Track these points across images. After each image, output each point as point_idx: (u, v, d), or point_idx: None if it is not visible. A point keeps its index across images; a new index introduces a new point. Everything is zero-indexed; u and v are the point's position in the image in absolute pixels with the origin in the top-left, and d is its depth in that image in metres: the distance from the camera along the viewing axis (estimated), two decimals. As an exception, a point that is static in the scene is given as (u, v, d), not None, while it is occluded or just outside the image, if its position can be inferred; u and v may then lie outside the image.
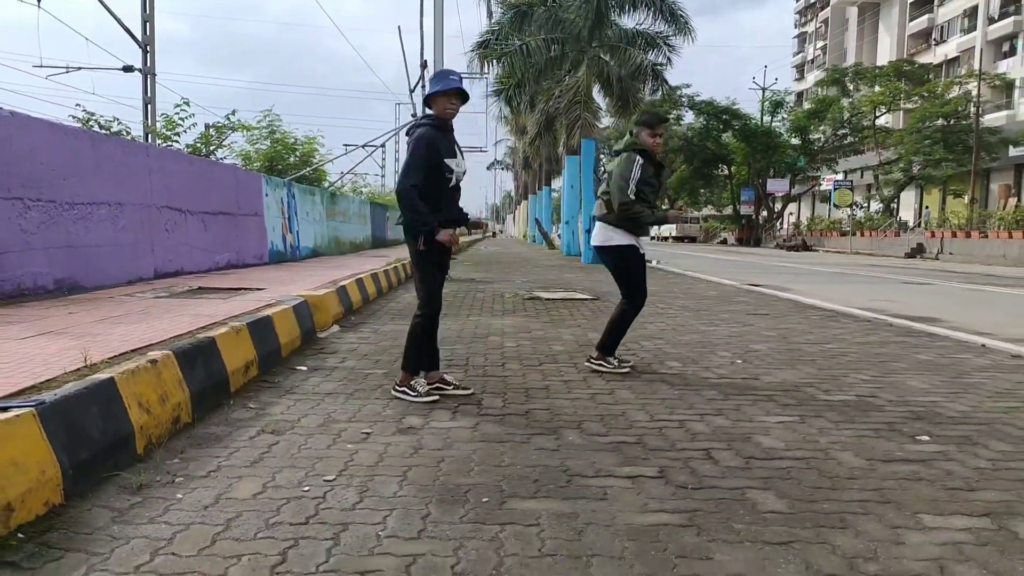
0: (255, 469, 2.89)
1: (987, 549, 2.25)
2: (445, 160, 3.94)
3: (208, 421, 3.55)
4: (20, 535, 2.19)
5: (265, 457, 3.04)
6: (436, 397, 4.02)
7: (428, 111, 4.16)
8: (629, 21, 20.97)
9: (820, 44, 68.73)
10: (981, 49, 42.13)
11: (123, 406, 2.94)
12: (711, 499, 2.62)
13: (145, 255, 8.04)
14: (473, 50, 22.13)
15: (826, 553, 2.20)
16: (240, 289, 7.30)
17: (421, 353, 4.13)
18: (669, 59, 20.95)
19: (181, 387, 3.46)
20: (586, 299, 9.48)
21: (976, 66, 37.38)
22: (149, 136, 15.17)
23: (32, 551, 2.13)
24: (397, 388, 4.09)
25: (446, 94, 3.99)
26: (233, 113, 15.73)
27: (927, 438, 3.40)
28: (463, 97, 4.05)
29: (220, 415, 3.65)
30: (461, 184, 4.14)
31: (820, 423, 3.63)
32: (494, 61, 20.85)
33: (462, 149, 4.22)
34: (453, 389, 4.17)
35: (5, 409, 2.40)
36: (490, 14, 24.75)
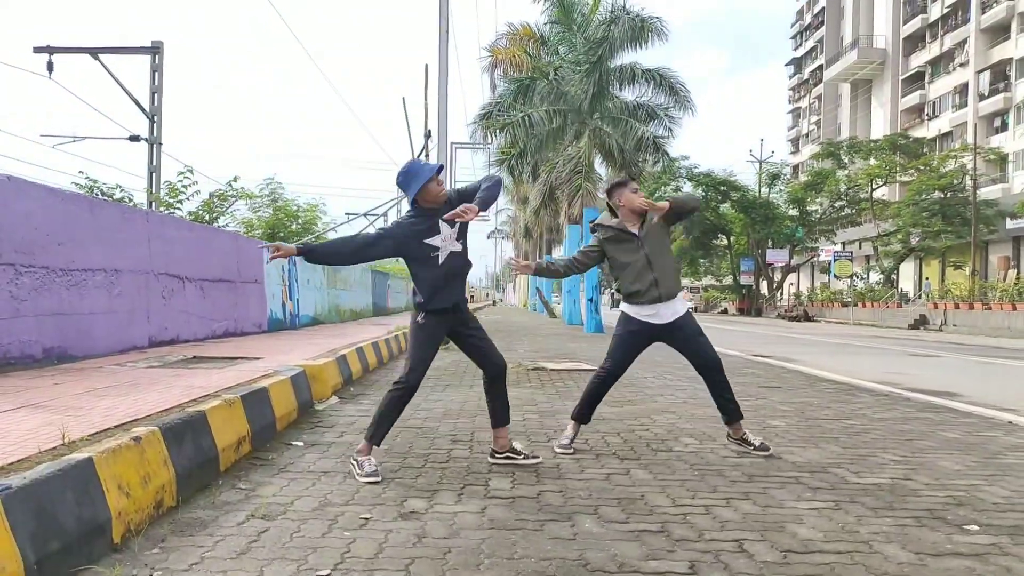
0: (241, 561, 2.62)
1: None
2: (425, 241, 3.89)
3: (194, 503, 3.27)
4: (-31, 646, 1.92)
5: (253, 547, 2.76)
6: (378, 480, 3.71)
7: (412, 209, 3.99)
8: (630, 94, 21.36)
9: (814, 119, 70.27)
10: (975, 124, 42.95)
11: (101, 489, 2.68)
12: (751, 601, 2.34)
13: (140, 323, 7.83)
14: (476, 121, 22.47)
15: (891, 671, 1.93)
16: (237, 358, 7.07)
17: (388, 425, 4.00)
18: (671, 130, 21.26)
19: (166, 467, 3.20)
20: (592, 370, 9.21)
21: (971, 140, 38.00)
22: (152, 204, 15.18)
23: (-20, 666, 1.85)
24: (354, 457, 3.93)
25: (433, 180, 3.87)
26: (235, 180, 15.76)
27: (976, 527, 3.12)
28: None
29: (207, 497, 3.38)
30: (460, 250, 3.98)
31: (857, 510, 3.36)
32: (497, 132, 21.12)
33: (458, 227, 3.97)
34: (523, 459, 4.13)
35: (-35, 496, 2.16)
36: (493, 87, 25.26)
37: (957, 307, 29.77)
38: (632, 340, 4.53)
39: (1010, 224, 35.31)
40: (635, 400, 6.64)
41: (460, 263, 4.01)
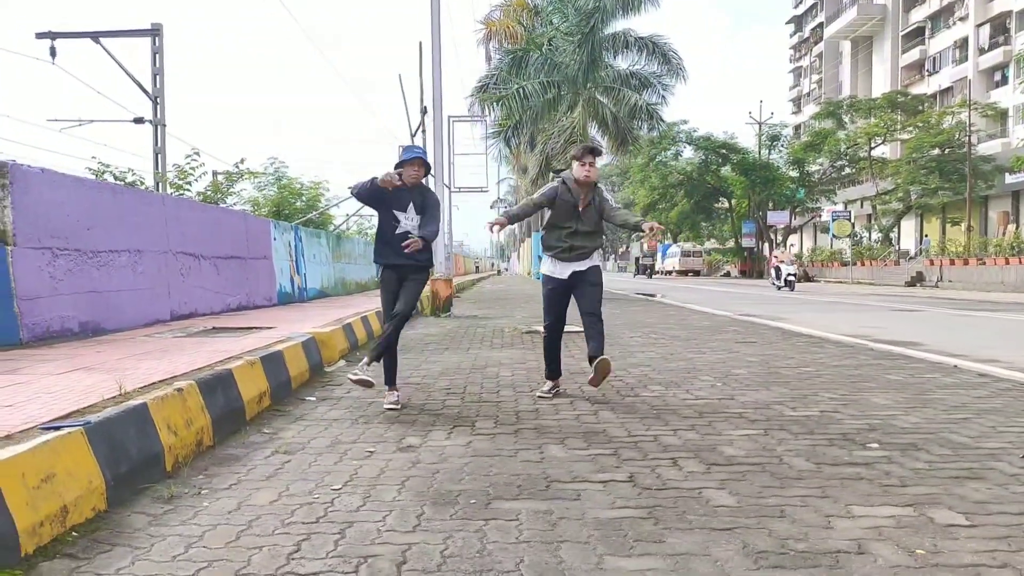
0: (271, 482, 3.27)
1: (904, 531, 2.60)
2: (394, 211, 4.92)
3: (227, 444, 3.93)
4: (74, 533, 2.58)
5: (279, 473, 3.42)
6: (365, 377, 4.68)
7: None
8: (623, 62, 21.71)
9: (815, 78, 69.95)
10: (972, 80, 42.91)
11: (154, 428, 3.34)
12: (671, 497, 2.99)
13: (162, 298, 8.49)
14: (473, 95, 22.89)
15: (763, 535, 2.57)
16: (252, 328, 7.73)
17: (384, 349, 4.93)
18: (664, 97, 21.66)
19: (203, 413, 3.86)
20: (581, 331, 9.84)
21: (969, 95, 38.08)
22: (160, 185, 15.79)
23: (86, 545, 2.52)
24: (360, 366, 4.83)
25: (408, 163, 4.92)
26: (242, 161, 16.37)
27: (876, 445, 3.76)
28: (423, 164, 5.01)
29: (237, 439, 4.03)
30: (412, 233, 4.88)
31: (781, 435, 3.99)
32: (494, 104, 21.55)
33: (423, 206, 4.99)
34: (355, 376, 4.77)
35: (58, 428, 2.81)
36: (488, 59, 25.61)
37: (953, 263, 30.25)
38: (552, 296, 5.26)
39: (1009, 179, 35.57)
40: (615, 356, 7.25)
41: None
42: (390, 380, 5.00)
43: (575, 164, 5.05)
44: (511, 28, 23.74)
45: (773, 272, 27.52)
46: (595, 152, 5.14)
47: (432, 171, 5.26)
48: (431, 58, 14.56)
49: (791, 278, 25.69)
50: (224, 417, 4.09)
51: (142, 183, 13.72)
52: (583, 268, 5.13)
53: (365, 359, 4.84)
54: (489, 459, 3.61)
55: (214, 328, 7.74)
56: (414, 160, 4.95)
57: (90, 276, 7.02)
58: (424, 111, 21.76)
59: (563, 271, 5.15)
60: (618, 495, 3.03)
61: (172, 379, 4.11)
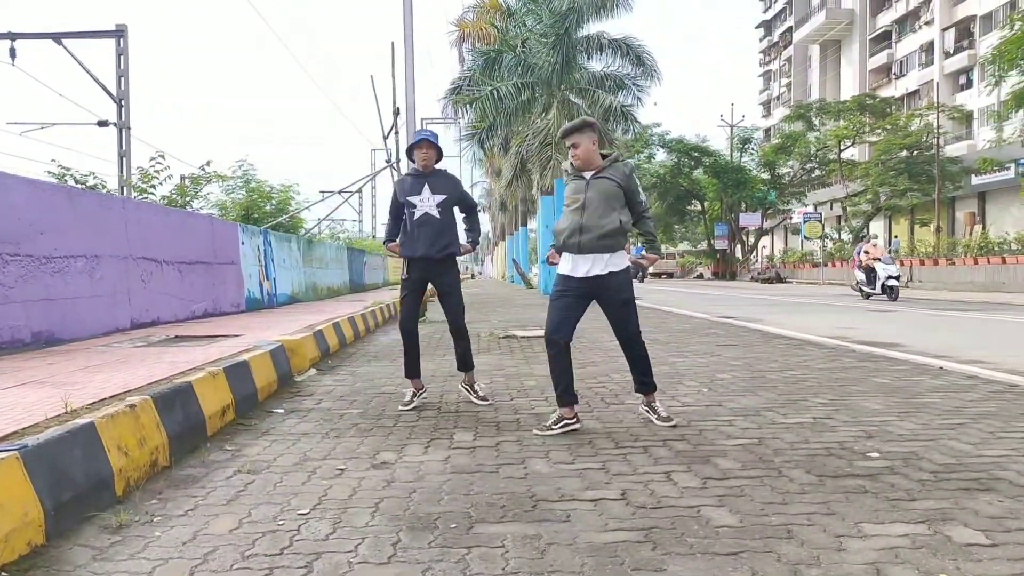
0: (231, 507, 3.00)
1: (922, 552, 2.41)
2: (408, 198, 4.94)
3: (185, 463, 3.64)
4: (3, 574, 2.29)
5: (241, 495, 3.14)
6: (412, 406, 4.93)
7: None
8: (597, 64, 21.60)
9: (785, 81, 70.69)
10: (939, 83, 43.55)
11: (103, 449, 3.04)
12: (668, 517, 2.77)
13: (122, 305, 8.12)
14: (446, 97, 22.61)
15: (772, 561, 2.35)
16: (217, 336, 7.39)
17: (410, 361, 5.12)
18: (639, 99, 21.59)
19: (159, 430, 3.56)
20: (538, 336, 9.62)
21: (936, 98, 38.61)
22: (124, 189, 15.30)
23: (16, 588, 2.23)
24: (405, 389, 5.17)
25: (416, 146, 4.96)
26: (208, 164, 15.90)
27: (877, 455, 3.58)
28: (432, 146, 4.95)
29: (197, 457, 3.74)
30: (436, 216, 4.91)
31: (776, 444, 3.80)
32: (467, 106, 21.31)
33: (443, 187, 5.00)
34: (474, 396, 5.10)
35: (-11, 454, 2.51)
36: (462, 61, 25.35)
37: (923, 263, 30.60)
38: (560, 300, 4.20)
39: (975, 180, 36.09)
40: (598, 362, 7.06)
41: (433, 223, 4.92)
42: (466, 364, 5.15)
43: (584, 142, 4.19)
44: (484, 30, 23.50)
45: (860, 275, 18.18)
46: (573, 131, 4.20)
47: (442, 156, 5.18)
48: (404, 59, 14.30)
49: (893, 283, 17.06)
50: (183, 434, 3.79)
51: (104, 187, 13.26)
52: (603, 271, 4.12)
53: (408, 393, 5.06)
54: (470, 476, 3.36)
55: (177, 336, 7.40)
56: (421, 143, 4.92)
57: (44, 283, 6.65)
58: (397, 112, 21.45)
59: (578, 267, 4.17)
60: (611, 515, 2.80)
61: (125, 394, 3.81)
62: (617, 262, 4.17)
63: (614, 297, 4.20)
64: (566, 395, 4.22)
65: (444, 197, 4.93)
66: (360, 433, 4.26)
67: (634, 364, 4.39)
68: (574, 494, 3.06)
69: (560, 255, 4.30)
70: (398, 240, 5.09)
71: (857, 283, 18.85)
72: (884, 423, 4.24)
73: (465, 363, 5.16)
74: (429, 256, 4.93)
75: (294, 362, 6.38)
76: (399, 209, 5.04)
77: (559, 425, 4.15)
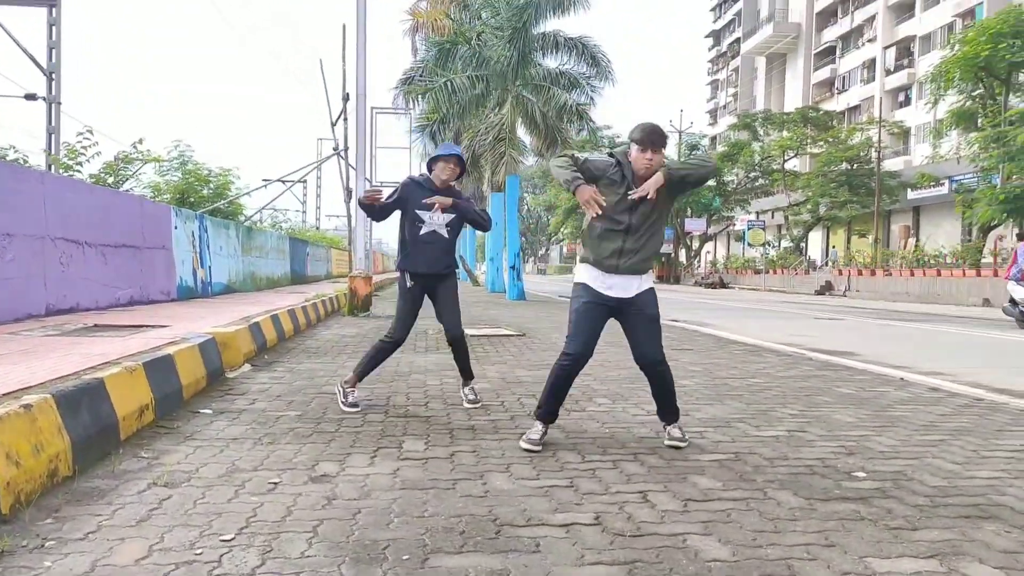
0: (141, 529, 2.54)
1: (938, 594, 2.13)
2: (418, 211, 4.56)
3: (92, 473, 3.15)
4: None
5: (154, 514, 2.69)
6: (357, 409, 4.52)
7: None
8: (553, 62, 21.30)
9: (732, 91, 71.96)
10: (881, 99, 44.83)
11: (-16, 459, 2.55)
12: (651, 548, 2.43)
13: (36, 290, 7.42)
14: (397, 87, 22.04)
15: (776, 606, 2.04)
16: (141, 326, 6.79)
17: (373, 366, 4.75)
18: (592, 99, 21.37)
19: (61, 435, 3.06)
20: (511, 335, 9.29)
21: (876, 114, 39.70)
22: (52, 167, 14.28)
23: None
24: (340, 384, 4.71)
25: (445, 159, 4.59)
26: (140, 142, 14.94)
27: (863, 474, 3.32)
28: (461, 163, 4.67)
29: (107, 466, 3.25)
30: (444, 236, 4.63)
31: (755, 460, 3.52)
32: (419, 97, 20.77)
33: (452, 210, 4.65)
34: (467, 402, 4.80)
35: None
36: (415, 51, 24.79)
37: (860, 273, 31.35)
38: (590, 313, 3.79)
39: (911, 195, 37.22)
40: (548, 363, 6.71)
41: (440, 242, 4.64)
42: (468, 373, 4.90)
43: (634, 149, 3.63)
44: (438, 21, 22.99)
45: (1020, 291, 12.37)
46: (664, 138, 3.68)
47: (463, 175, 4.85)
48: (356, 42, 13.72)
49: None
50: (91, 438, 3.29)
51: (25, 162, 12.32)
52: (630, 295, 3.75)
53: (348, 377, 4.68)
54: (423, 493, 2.97)
55: (95, 325, 6.76)
56: (450, 157, 4.60)
57: (-57, 262, 5.96)
58: (346, 98, 20.78)
59: (608, 286, 3.75)
60: (585, 545, 2.45)
61: (22, 391, 3.29)
62: (648, 280, 3.85)
63: (642, 312, 3.79)
64: (554, 413, 3.85)
65: (454, 217, 4.69)
66: (298, 439, 3.82)
67: (662, 394, 3.86)
68: (542, 517, 2.70)
69: (579, 263, 3.94)
70: (398, 247, 4.77)
71: (1012, 303, 12.65)
72: (862, 438, 4.01)
73: (468, 372, 4.93)
74: (434, 273, 4.73)
75: (226, 356, 5.86)
76: (397, 207, 4.64)
77: (542, 440, 3.73)
